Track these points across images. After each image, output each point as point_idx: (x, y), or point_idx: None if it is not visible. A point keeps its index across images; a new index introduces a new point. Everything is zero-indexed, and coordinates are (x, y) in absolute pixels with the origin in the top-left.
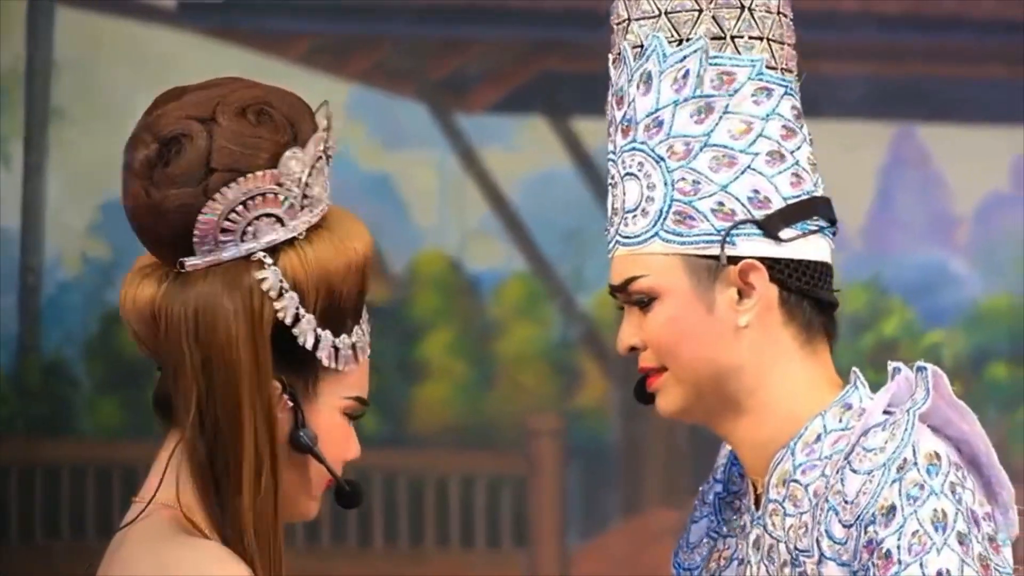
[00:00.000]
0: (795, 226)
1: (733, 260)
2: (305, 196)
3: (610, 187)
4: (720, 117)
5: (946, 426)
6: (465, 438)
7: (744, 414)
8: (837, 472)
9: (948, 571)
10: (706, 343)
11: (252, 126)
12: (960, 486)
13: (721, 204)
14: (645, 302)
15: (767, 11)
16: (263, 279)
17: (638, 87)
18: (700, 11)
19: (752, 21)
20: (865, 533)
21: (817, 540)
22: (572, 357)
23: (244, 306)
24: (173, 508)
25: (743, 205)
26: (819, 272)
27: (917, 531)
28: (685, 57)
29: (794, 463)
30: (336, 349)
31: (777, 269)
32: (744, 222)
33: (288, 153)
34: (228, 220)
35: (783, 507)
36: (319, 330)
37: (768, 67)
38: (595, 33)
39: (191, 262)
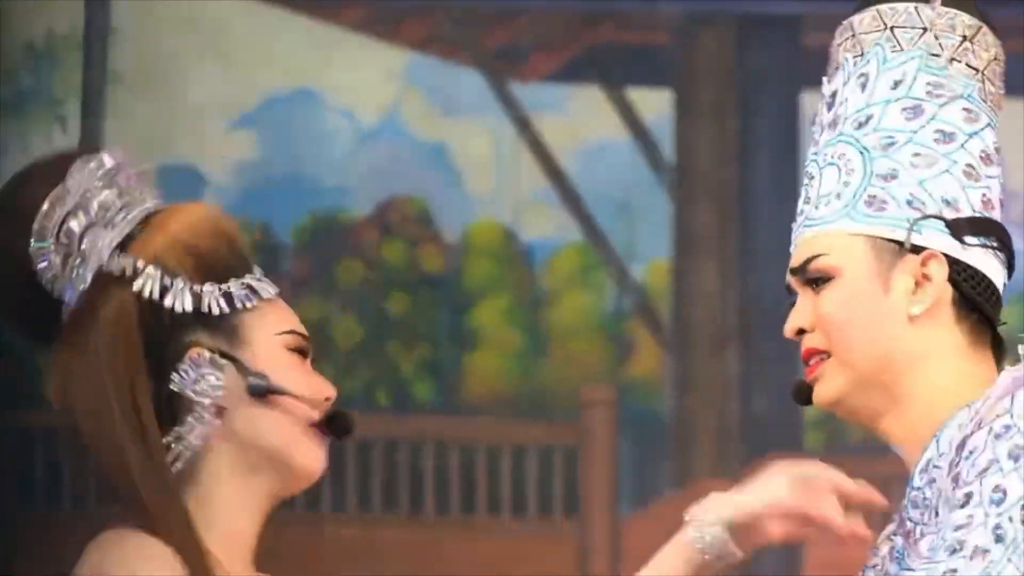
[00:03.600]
0: (979, 237)
1: (916, 249)
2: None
3: (804, 186)
4: (929, 120)
5: None
6: (517, 407)
7: (902, 407)
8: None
9: (1005, 490)
10: (876, 326)
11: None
12: None
13: (915, 196)
14: (823, 280)
15: (985, 49)
16: (121, 268)
17: (853, 88)
18: (925, 29)
19: (972, 51)
20: (951, 471)
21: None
22: (625, 327)
23: (103, 300)
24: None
25: (936, 202)
26: (991, 290)
27: (992, 459)
28: (904, 62)
29: (937, 450)
30: (227, 294)
31: (956, 270)
32: (934, 217)
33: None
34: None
35: (923, 493)
36: (197, 286)
37: (979, 96)
38: (649, 4)
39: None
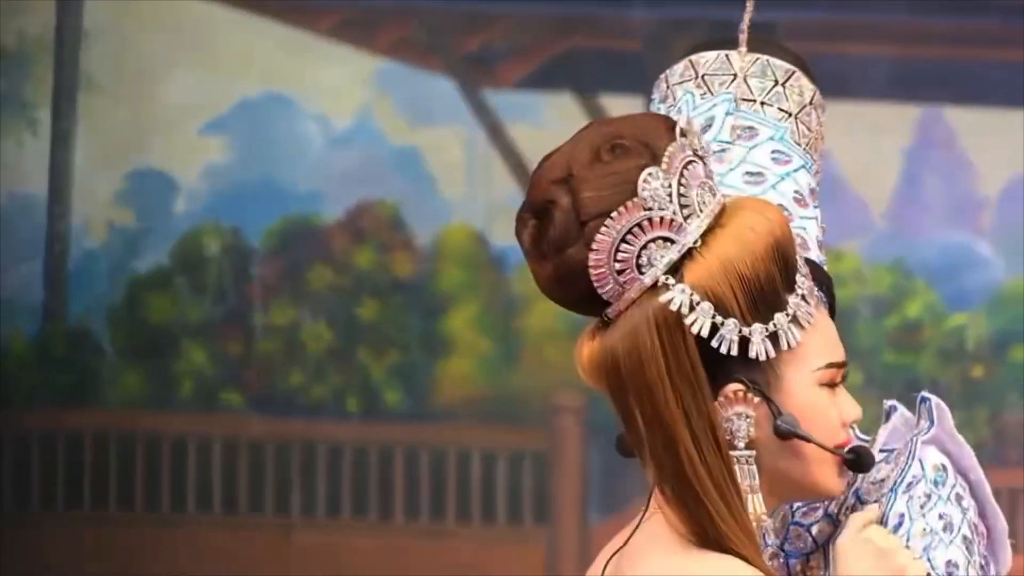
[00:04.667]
0: None
1: None
2: (683, 206)
3: None
4: (739, 163)
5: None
6: (488, 413)
7: None
8: (847, 511)
9: (956, 563)
10: None
11: (607, 164)
12: (965, 500)
13: None
14: None
15: (799, 93)
16: (669, 300)
17: None
18: (735, 75)
19: (783, 95)
20: None
21: None
22: None
23: (659, 334)
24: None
25: None
26: None
27: (925, 528)
28: (713, 106)
29: (792, 507)
30: (773, 334)
31: None
32: None
33: (644, 176)
34: (617, 261)
35: (783, 551)
36: (746, 328)
37: (792, 139)
38: (622, 10)
39: (610, 311)
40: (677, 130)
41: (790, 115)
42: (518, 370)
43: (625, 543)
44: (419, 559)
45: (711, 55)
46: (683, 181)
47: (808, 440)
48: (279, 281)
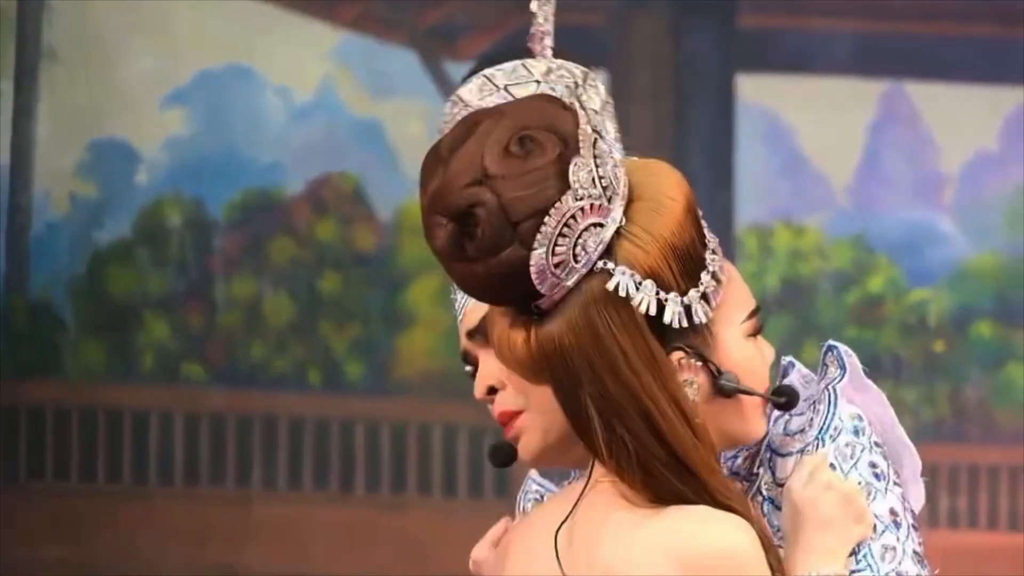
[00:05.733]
0: None
1: None
2: (604, 188)
3: None
4: None
5: (851, 404)
6: (449, 387)
7: None
8: (759, 466)
9: (896, 511)
10: None
11: (522, 160)
12: (880, 445)
13: None
14: None
15: (598, 93)
16: (616, 285)
17: None
18: (537, 81)
19: (587, 96)
20: None
21: None
22: None
23: (609, 318)
24: (612, 482)
25: None
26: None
27: (860, 481)
28: None
29: None
30: (703, 294)
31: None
32: None
33: (572, 167)
34: (555, 255)
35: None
36: (685, 297)
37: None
38: None
39: (542, 302)
40: (577, 110)
41: (596, 112)
42: None
43: (567, 517)
44: (380, 531)
45: (507, 66)
46: (597, 162)
47: (751, 393)
48: (240, 254)
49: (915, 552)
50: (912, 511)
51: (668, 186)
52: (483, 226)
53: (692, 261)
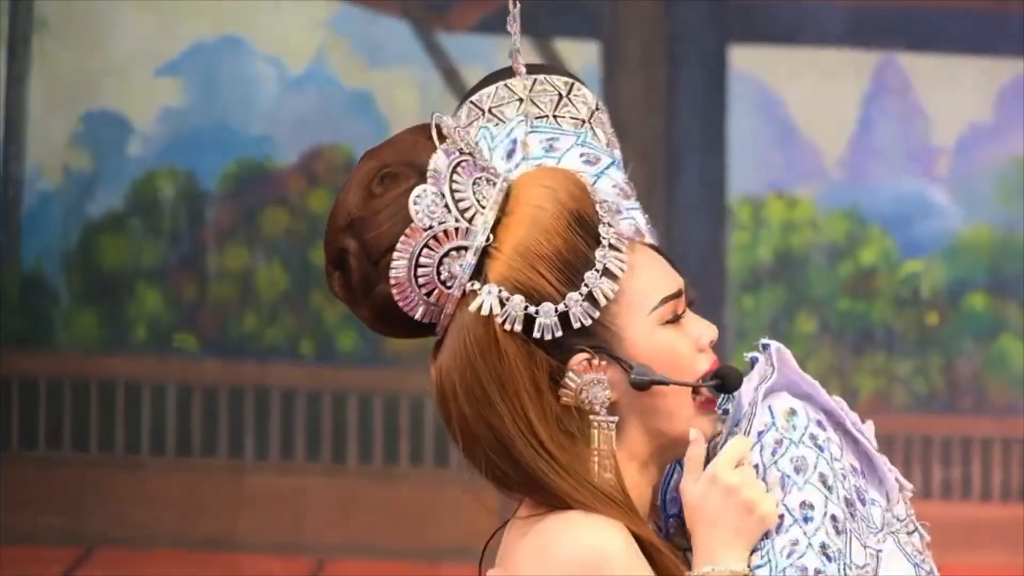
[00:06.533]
0: None
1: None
2: (463, 211)
3: None
4: None
5: (801, 396)
6: None
7: None
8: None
9: (811, 504)
10: None
11: (379, 197)
12: (822, 438)
13: None
14: None
15: (584, 102)
16: (479, 305)
17: None
18: (521, 100)
19: (571, 105)
20: None
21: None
22: None
23: (477, 343)
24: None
25: None
26: None
27: (778, 476)
28: (511, 131)
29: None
30: (588, 294)
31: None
32: None
33: (412, 198)
34: (420, 286)
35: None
36: (561, 305)
37: (593, 141)
38: None
39: (438, 329)
40: (434, 137)
41: (583, 121)
42: None
43: (503, 525)
44: (372, 502)
45: (489, 90)
46: (455, 187)
47: (666, 382)
48: (233, 225)
49: (823, 544)
50: (858, 497)
51: (537, 195)
52: (353, 270)
53: (571, 265)
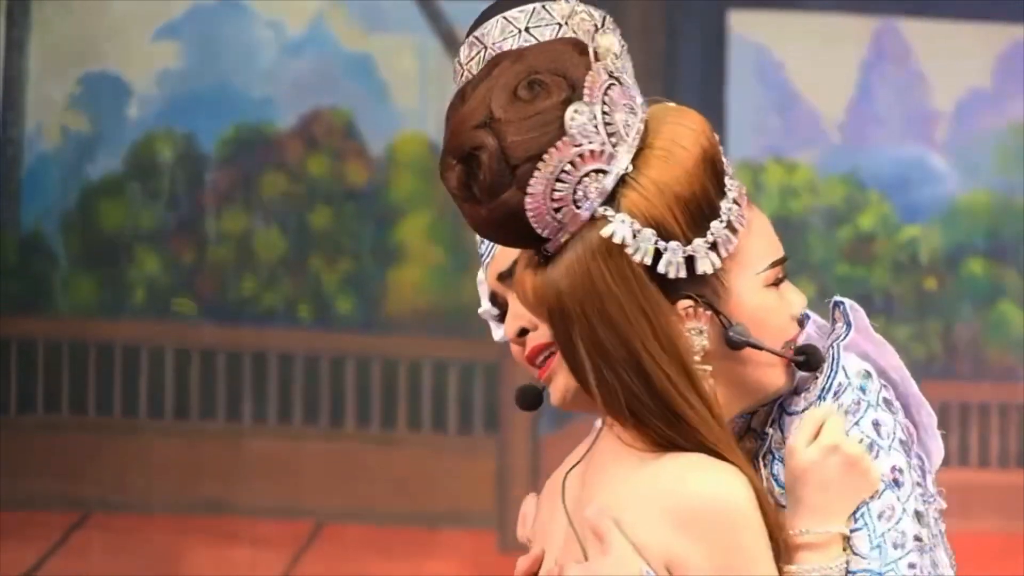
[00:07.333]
0: None
1: None
2: (610, 134)
3: None
4: None
5: (864, 358)
6: (439, 323)
7: None
8: (771, 424)
9: (900, 468)
10: None
11: (528, 103)
12: (892, 402)
13: None
14: None
15: (617, 38)
16: (612, 233)
17: None
18: (559, 24)
19: (609, 38)
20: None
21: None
22: None
23: (606, 266)
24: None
25: None
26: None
27: (862, 438)
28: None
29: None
30: (713, 243)
31: None
32: None
33: (569, 112)
34: (553, 200)
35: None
36: (688, 247)
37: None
38: None
39: (549, 246)
40: (591, 54)
41: (617, 55)
42: (470, 280)
43: (579, 461)
44: (370, 466)
45: (528, 7)
46: (606, 108)
47: (760, 348)
48: (232, 188)
49: (916, 512)
50: (923, 467)
51: (682, 135)
52: (484, 169)
53: (702, 211)
